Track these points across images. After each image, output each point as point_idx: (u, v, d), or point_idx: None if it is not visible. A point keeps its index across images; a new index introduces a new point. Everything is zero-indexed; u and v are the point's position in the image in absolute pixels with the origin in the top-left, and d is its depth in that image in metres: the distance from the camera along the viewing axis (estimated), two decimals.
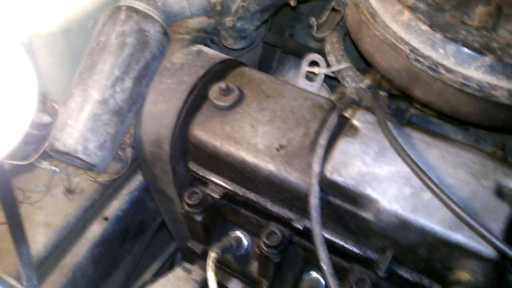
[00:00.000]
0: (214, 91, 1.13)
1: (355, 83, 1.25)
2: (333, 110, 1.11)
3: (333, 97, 1.38)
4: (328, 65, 1.34)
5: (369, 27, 1.03)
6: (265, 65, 1.91)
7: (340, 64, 1.30)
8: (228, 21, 1.25)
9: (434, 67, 0.95)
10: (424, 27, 0.97)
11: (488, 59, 0.93)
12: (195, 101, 1.14)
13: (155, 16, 1.15)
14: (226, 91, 1.13)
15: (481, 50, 0.94)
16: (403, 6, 1.00)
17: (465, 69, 0.95)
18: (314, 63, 1.34)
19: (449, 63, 0.95)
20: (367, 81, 1.18)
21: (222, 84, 1.12)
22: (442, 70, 0.95)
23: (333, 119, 1.06)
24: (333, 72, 1.32)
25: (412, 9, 1.00)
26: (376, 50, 1.06)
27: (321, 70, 1.31)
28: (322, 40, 1.32)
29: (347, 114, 1.14)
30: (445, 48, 0.96)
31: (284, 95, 1.16)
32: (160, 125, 1.14)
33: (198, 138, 1.12)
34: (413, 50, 0.97)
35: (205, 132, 1.12)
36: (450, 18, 0.98)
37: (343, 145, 1.01)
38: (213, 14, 1.24)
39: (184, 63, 1.18)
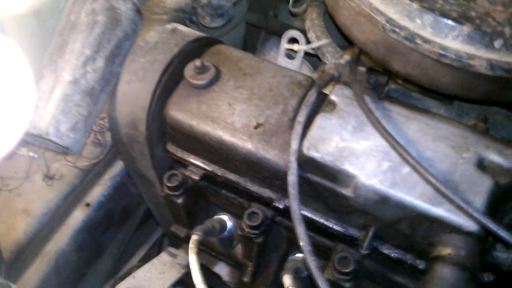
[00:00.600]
0: (189, 69, 1.10)
1: (335, 59, 1.22)
2: (312, 86, 1.08)
3: (315, 75, 1.35)
4: (309, 42, 1.31)
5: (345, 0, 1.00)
6: (249, 47, 1.88)
7: (320, 41, 1.27)
8: None
9: (411, 38, 0.92)
10: None
11: (465, 28, 0.91)
12: (170, 80, 1.11)
13: None
14: (202, 69, 1.10)
15: (459, 19, 0.91)
16: None
17: (443, 39, 0.92)
18: (293, 40, 1.31)
19: (426, 33, 0.93)
20: (346, 56, 1.15)
21: (197, 62, 1.09)
22: (419, 41, 0.92)
23: (311, 96, 1.03)
24: (313, 49, 1.29)
25: None
26: (352, 22, 1.03)
27: (300, 47, 1.28)
28: (300, 15, 1.29)
29: (327, 91, 1.12)
30: (422, 18, 0.93)
31: (262, 73, 1.13)
32: (135, 106, 1.11)
33: (174, 118, 1.09)
34: (389, 20, 0.94)
35: (181, 111, 1.09)
36: None
37: (321, 121, 0.98)
38: None
39: (158, 41, 1.14)
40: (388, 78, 1.05)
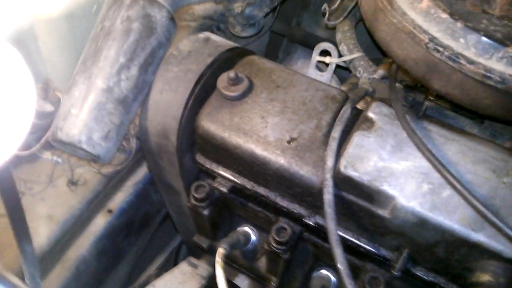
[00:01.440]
0: (222, 80, 1.09)
1: (368, 73, 1.21)
2: (346, 101, 1.07)
3: (343, 88, 1.34)
4: (340, 55, 1.29)
5: (386, 14, 0.99)
6: (271, 54, 1.87)
7: (352, 54, 1.25)
8: (237, 7, 1.20)
9: (454, 57, 0.90)
10: (444, 15, 0.93)
11: (511, 50, 0.88)
12: (203, 91, 1.10)
13: (162, 1, 1.11)
14: (235, 81, 1.08)
15: (504, 40, 0.89)
16: None
17: (487, 60, 0.90)
18: (325, 52, 1.30)
19: (470, 53, 0.91)
20: (380, 71, 1.13)
21: (231, 73, 1.08)
22: (462, 61, 0.90)
23: (346, 111, 1.02)
24: (344, 62, 1.28)
25: None
26: (392, 38, 1.01)
27: (332, 60, 1.26)
28: (333, 29, 1.28)
29: (359, 106, 1.10)
30: (466, 38, 0.91)
31: (295, 85, 1.11)
32: (167, 115, 1.10)
33: (205, 129, 1.08)
34: (432, 39, 0.92)
35: (213, 123, 1.08)
36: (471, 7, 0.94)
37: (358, 139, 0.96)
38: (220, 1, 1.19)
39: (191, 51, 1.13)
40: (425, 96, 1.03)
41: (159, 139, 1.13)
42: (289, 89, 1.11)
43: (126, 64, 1.05)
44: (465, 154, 0.94)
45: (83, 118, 1.02)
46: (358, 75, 1.23)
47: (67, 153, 1.13)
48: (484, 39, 0.90)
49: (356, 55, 1.23)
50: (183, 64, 1.11)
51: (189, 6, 1.30)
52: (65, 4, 1.19)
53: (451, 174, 0.84)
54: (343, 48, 1.28)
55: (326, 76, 1.30)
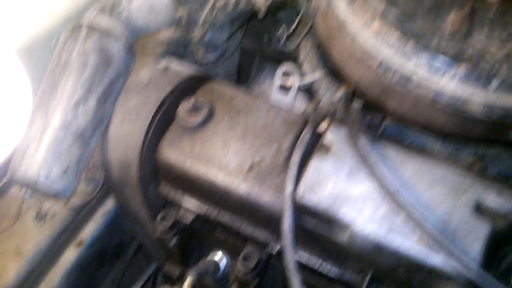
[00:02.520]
0: (182, 109, 1.09)
1: (330, 94, 1.21)
2: (307, 124, 1.07)
3: (310, 106, 1.34)
4: (304, 74, 1.29)
5: (338, 38, 0.99)
6: (244, 73, 1.86)
7: (314, 73, 1.25)
8: (196, 34, 1.20)
9: (406, 79, 0.91)
10: (395, 36, 0.93)
11: (461, 69, 0.89)
12: (163, 120, 1.09)
13: (118, 33, 1.11)
14: (195, 109, 1.08)
15: (455, 58, 0.90)
16: (373, 14, 0.96)
17: (438, 80, 0.91)
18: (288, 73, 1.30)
19: (421, 73, 0.91)
20: (341, 91, 1.13)
21: (190, 102, 1.07)
22: (413, 84, 0.90)
23: (305, 134, 1.02)
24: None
25: (383, 16, 0.96)
26: (346, 61, 1.01)
27: (294, 81, 1.26)
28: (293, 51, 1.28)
29: (323, 126, 1.10)
30: (417, 58, 0.92)
31: (256, 110, 1.11)
32: (127, 146, 1.09)
33: (167, 159, 1.07)
34: (384, 61, 0.93)
35: (174, 152, 1.07)
36: (422, 25, 0.94)
37: (316, 164, 0.96)
38: (179, 28, 1.19)
39: (151, 80, 1.13)
40: (383, 117, 1.03)
41: (121, 170, 1.12)
42: (250, 114, 1.11)
43: (84, 97, 1.04)
44: (421, 175, 0.93)
45: (41, 155, 1.01)
46: (321, 95, 1.23)
47: (29, 188, 1.12)
48: (435, 58, 0.90)
49: (317, 75, 1.23)
50: (142, 94, 1.11)
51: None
52: (24, 38, 1.19)
53: (402, 197, 0.84)
54: (306, 67, 1.28)
55: (290, 97, 1.30)
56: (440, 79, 0.90)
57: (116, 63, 1.10)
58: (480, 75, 0.89)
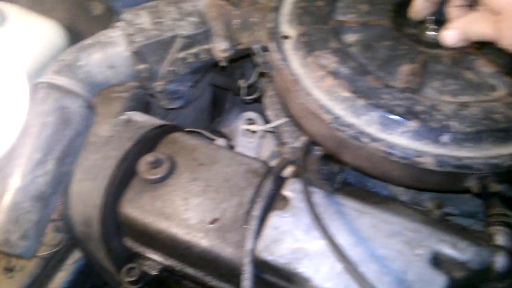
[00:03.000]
0: (142, 164, 1.09)
1: (292, 140, 1.21)
2: (268, 174, 1.07)
3: (278, 147, 1.35)
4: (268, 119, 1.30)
5: (293, 92, 1.00)
6: (218, 108, 1.87)
7: (277, 119, 1.26)
8: (157, 86, 1.20)
9: (357, 136, 0.91)
10: (346, 94, 0.94)
11: (412, 124, 0.90)
12: (124, 177, 1.10)
13: (77, 90, 1.11)
14: (156, 163, 1.09)
15: (405, 115, 0.91)
16: (325, 71, 0.97)
17: (390, 136, 0.92)
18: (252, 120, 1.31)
19: (373, 130, 0.92)
20: (303, 138, 1.14)
21: (150, 157, 1.08)
22: (365, 139, 0.91)
23: (266, 186, 1.03)
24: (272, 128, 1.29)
25: (334, 74, 0.97)
26: (301, 116, 1.02)
27: (258, 128, 1.27)
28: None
29: (287, 171, 1.10)
30: (368, 115, 0.93)
31: (218, 162, 1.12)
32: (88, 205, 1.09)
33: (128, 216, 1.08)
34: (336, 118, 0.94)
35: (135, 209, 1.07)
36: (373, 82, 0.96)
37: (274, 220, 0.97)
38: (140, 81, 1.20)
39: (111, 136, 1.13)
40: (341, 167, 1.04)
41: (83, 227, 1.12)
42: (212, 166, 1.11)
43: (42, 159, 1.05)
44: (378, 227, 0.94)
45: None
46: (285, 142, 1.24)
47: None
48: (385, 115, 0.91)
49: (280, 121, 1.24)
50: (102, 151, 1.11)
51: None
52: None
53: (343, 254, 0.85)
54: (270, 113, 1.29)
55: (254, 143, 1.31)
56: (391, 135, 0.91)
57: (76, 122, 1.10)
58: (431, 130, 0.90)
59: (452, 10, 1.01)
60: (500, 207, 0.97)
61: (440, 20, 1.07)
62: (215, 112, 1.80)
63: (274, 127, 1.28)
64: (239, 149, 1.29)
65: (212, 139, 1.42)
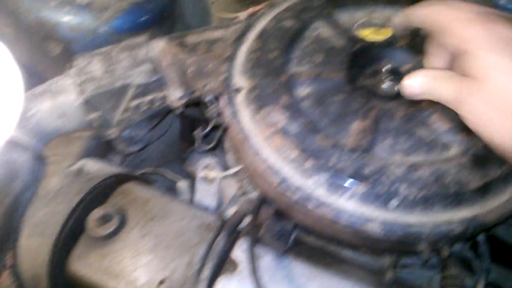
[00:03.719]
0: (90, 220, 1.05)
1: (251, 189, 1.18)
2: (222, 229, 1.04)
3: (239, 191, 1.31)
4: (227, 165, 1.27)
5: (243, 150, 0.97)
6: (188, 136, 1.83)
7: (237, 165, 1.23)
8: (112, 132, 1.17)
9: (304, 200, 0.88)
10: (294, 154, 0.91)
11: (360, 188, 0.87)
12: (72, 233, 1.06)
13: (26, 141, 1.08)
14: (104, 219, 1.05)
15: (353, 177, 0.88)
16: (275, 129, 0.94)
17: (337, 199, 0.89)
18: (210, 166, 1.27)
19: (321, 193, 0.89)
20: (255, 194, 1.11)
21: (98, 212, 1.04)
22: (312, 204, 0.88)
23: (219, 243, 0.99)
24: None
25: (283, 132, 0.94)
26: (251, 174, 0.99)
27: (216, 174, 1.24)
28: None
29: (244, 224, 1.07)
30: (316, 177, 0.90)
31: (170, 215, 1.09)
32: (36, 262, 1.05)
33: (76, 274, 1.04)
34: (284, 180, 0.91)
35: (82, 267, 1.04)
36: (323, 141, 0.92)
37: (221, 285, 0.93)
38: (93, 129, 1.17)
39: (60, 189, 1.10)
40: (295, 225, 1.01)
41: (31, 284, 1.08)
42: (164, 221, 1.08)
43: None
44: None
45: None
46: (243, 190, 1.20)
47: None
48: (333, 177, 0.88)
49: (238, 168, 1.20)
50: (50, 206, 1.08)
51: None
52: None
53: None
54: (229, 159, 1.26)
55: (213, 190, 1.28)
56: (338, 199, 0.88)
57: (23, 175, 1.06)
58: (379, 194, 0.87)
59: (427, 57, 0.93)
60: (454, 268, 0.95)
61: (396, 71, 1.05)
62: (185, 144, 1.76)
63: (234, 173, 1.24)
64: (197, 196, 1.26)
65: (175, 180, 1.38)
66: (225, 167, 1.26)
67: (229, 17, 1.60)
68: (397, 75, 1.06)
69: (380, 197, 0.87)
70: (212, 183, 1.27)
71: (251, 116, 0.98)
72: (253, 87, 1.00)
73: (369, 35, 1.12)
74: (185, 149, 1.76)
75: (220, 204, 1.27)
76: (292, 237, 1.02)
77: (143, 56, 1.12)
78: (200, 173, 1.26)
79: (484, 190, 0.89)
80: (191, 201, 1.25)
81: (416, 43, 1.08)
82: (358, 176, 0.88)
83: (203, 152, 1.44)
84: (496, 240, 1.11)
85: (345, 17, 1.15)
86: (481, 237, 1.07)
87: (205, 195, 1.26)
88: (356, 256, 1.04)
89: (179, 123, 1.71)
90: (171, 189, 1.36)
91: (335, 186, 0.88)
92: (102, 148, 1.35)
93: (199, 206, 1.21)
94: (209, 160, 1.25)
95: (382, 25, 1.14)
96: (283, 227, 1.01)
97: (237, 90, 1.02)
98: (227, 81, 1.04)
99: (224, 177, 1.25)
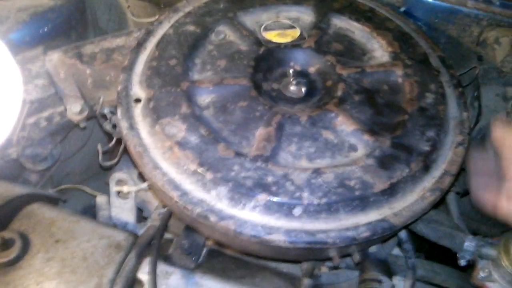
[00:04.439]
0: None
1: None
2: (133, 247, 0.99)
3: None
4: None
5: (141, 163, 0.92)
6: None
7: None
8: (12, 152, 1.10)
9: (206, 215, 0.84)
10: (194, 167, 0.87)
11: (262, 198, 0.84)
12: None
13: None
14: (6, 245, 0.99)
15: (254, 188, 0.84)
16: (173, 141, 0.90)
17: (240, 211, 0.85)
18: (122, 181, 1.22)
19: (223, 206, 0.86)
20: (161, 210, 1.06)
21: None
22: (214, 218, 0.84)
23: (128, 263, 0.95)
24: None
25: (182, 144, 0.89)
26: (153, 188, 0.95)
27: (130, 189, 1.18)
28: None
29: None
30: (217, 189, 0.86)
31: (77, 237, 1.03)
32: None
33: None
34: (183, 195, 0.86)
35: None
36: (224, 151, 0.89)
37: None
38: None
39: None
40: (205, 239, 0.97)
41: None
42: (69, 243, 1.02)
43: None
44: None
45: None
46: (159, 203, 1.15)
47: None
48: (234, 189, 0.85)
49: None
50: None
51: None
52: None
53: None
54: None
55: (129, 204, 1.22)
56: (242, 211, 0.84)
57: None
58: (283, 203, 0.84)
59: None
60: (372, 272, 0.93)
61: (303, 73, 1.02)
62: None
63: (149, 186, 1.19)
64: (114, 211, 1.20)
65: (94, 196, 1.32)
66: (142, 179, 1.21)
67: (146, 21, 1.54)
68: (304, 77, 1.04)
69: (283, 206, 0.84)
70: (127, 197, 1.22)
71: (149, 128, 0.93)
72: (151, 97, 0.96)
73: (275, 37, 1.09)
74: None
75: (144, 214, 1.22)
76: (204, 251, 0.98)
77: (38, 69, 1.06)
78: (114, 188, 1.20)
79: (391, 192, 0.87)
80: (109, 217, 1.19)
81: (322, 43, 1.06)
82: (259, 186, 0.85)
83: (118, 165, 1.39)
84: (419, 238, 1.10)
85: (250, 19, 1.12)
86: (404, 235, 1.07)
87: (121, 210, 1.21)
88: (275, 264, 1.01)
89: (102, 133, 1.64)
90: (92, 205, 1.30)
91: (237, 197, 0.85)
92: (16, 166, 1.28)
93: (114, 223, 1.15)
94: (121, 174, 1.19)
95: (288, 27, 1.11)
96: (194, 241, 0.97)
97: (136, 101, 0.97)
98: (124, 92, 0.99)
99: (142, 191, 1.20)
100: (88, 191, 1.34)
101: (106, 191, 1.23)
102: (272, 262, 1.02)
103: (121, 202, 1.22)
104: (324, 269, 1.05)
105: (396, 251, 1.12)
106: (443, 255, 1.12)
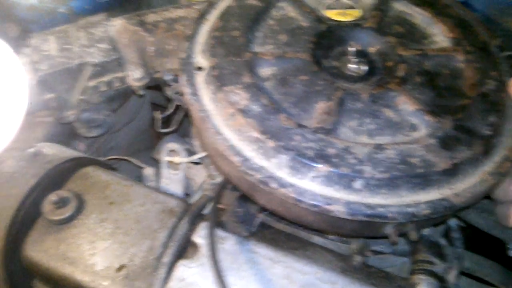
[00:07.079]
0: (47, 203, 1.01)
1: (217, 174, 1.15)
2: (186, 214, 1.00)
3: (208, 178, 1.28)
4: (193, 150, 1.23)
5: (203, 129, 0.93)
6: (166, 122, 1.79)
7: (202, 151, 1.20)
8: (70, 115, 1.12)
9: (267, 181, 0.85)
10: (256, 134, 0.88)
11: (323, 169, 0.84)
12: (27, 217, 1.02)
13: None
14: (60, 203, 1.01)
15: (315, 159, 0.85)
16: (235, 109, 0.91)
17: (300, 181, 0.86)
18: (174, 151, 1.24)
19: (283, 174, 0.86)
20: (219, 179, 1.07)
21: (54, 196, 1.00)
22: (274, 184, 0.85)
23: (181, 228, 0.96)
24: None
25: (244, 112, 0.90)
26: (213, 155, 0.96)
27: (181, 160, 1.20)
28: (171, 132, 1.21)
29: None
30: (278, 158, 0.86)
31: (130, 200, 1.05)
32: None
33: (30, 260, 1.00)
34: (245, 161, 0.87)
35: (38, 252, 1.00)
36: (285, 121, 0.89)
37: (180, 270, 0.90)
38: (49, 111, 1.12)
39: (15, 172, 1.05)
40: (260, 208, 0.98)
41: None
42: (123, 206, 1.04)
43: None
44: (291, 278, 0.89)
45: None
46: (211, 172, 1.17)
47: None
48: (296, 158, 0.85)
49: (204, 154, 1.17)
50: (4, 189, 1.03)
51: None
52: None
53: None
54: (195, 143, 1.22)
55: (179, 175, 1.24)
56: (302, 180, 0.85)
57: None
58: (343, 175, 0.84)
59: None
60: (425, 254, 0.93)
61: (363, 53, 1.02)
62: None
63: (200, 159, 1.21)
64: (163, 182, 1.22)
65: (141, 167, 1.34)
66: (192, 153, 1.22)
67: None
68: (364, 56, 1.04)
69: (344, 178, 0.84)
70: (177, 169, 1.23)
71: (211, 96, 0.94)
72: (213, 67, 0.97)
73: (336, 15, 1.09)
74: (157, 139, 1.72)
75: (186, 190, 1.24)
76: (257, 221, 0.99)
77: (101, 34, 1.08)
78: (165, 158, 1.22)
79: (453, 172, 0.87)
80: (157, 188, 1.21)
81: (383, 25, 1.06)
82: (320, 157, 0.85)
83: (169, 137, 1.41)
84: (469, 227, 1.10)
85: None
86: (453, 223, 1.06)
87: (171, 181, 1.23)
88: (326, 241, 1.02)
89: (149, 111, 1.67)
90: (138, 178, 1.32)
91: (298, 167, 0.85)
92: (65, 134, 1.30)
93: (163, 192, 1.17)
94: (174, 145, 1.21)
95: (349, 7, 1.12)
96: (247, 211, 0.98)
97: (199, 69, 0.99)
98: (187, 60, 1.00)
99: (191, 164, 1.22)
100: (136, 162, 1.35)
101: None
102: (320, 239, 1.03)
103: (171, 173, 1.23)
104: (369, 253, 1.05)
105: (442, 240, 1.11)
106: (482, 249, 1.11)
